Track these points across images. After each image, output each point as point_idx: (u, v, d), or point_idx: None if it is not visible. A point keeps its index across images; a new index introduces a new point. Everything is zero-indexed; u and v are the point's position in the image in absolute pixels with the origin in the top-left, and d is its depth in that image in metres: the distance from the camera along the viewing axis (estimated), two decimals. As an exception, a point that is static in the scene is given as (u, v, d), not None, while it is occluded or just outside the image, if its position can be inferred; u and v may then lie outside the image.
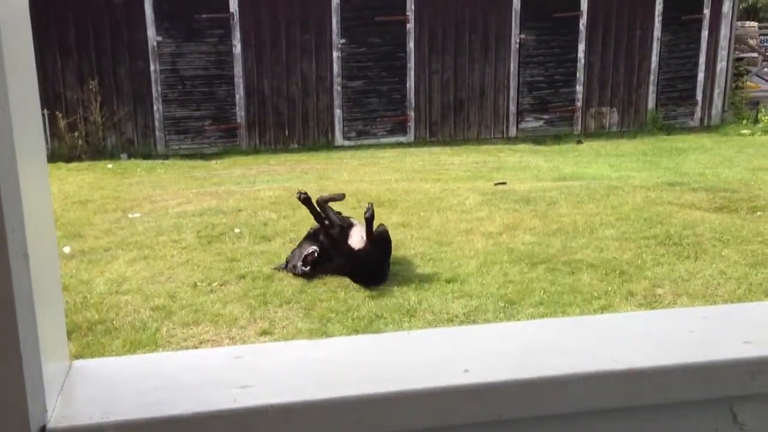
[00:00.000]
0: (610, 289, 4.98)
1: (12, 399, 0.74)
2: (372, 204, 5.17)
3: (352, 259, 5.09)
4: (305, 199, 5.13)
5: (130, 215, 7.13)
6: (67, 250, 5.91)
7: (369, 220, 5.05)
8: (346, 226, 5.36)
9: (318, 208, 5.29)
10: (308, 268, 5.15)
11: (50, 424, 0.78)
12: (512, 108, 12.77)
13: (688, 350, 0.93)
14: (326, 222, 5.22)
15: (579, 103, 13.00)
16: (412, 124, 12.47)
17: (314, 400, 0.83)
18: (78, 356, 3.93)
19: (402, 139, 12.44)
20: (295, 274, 5.19)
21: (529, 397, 0.87)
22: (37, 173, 0.83)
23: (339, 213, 5.51)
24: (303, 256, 5.20)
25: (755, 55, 17.44)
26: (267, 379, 0.87)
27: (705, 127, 13.34)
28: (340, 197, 5.59)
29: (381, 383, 0.85)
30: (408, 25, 12.12)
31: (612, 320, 1.21)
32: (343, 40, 11.96)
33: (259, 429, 0.82)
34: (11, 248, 0.72)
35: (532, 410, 0.87)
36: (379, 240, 5.14)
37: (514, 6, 12.38)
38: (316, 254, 5.17)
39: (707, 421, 0.93)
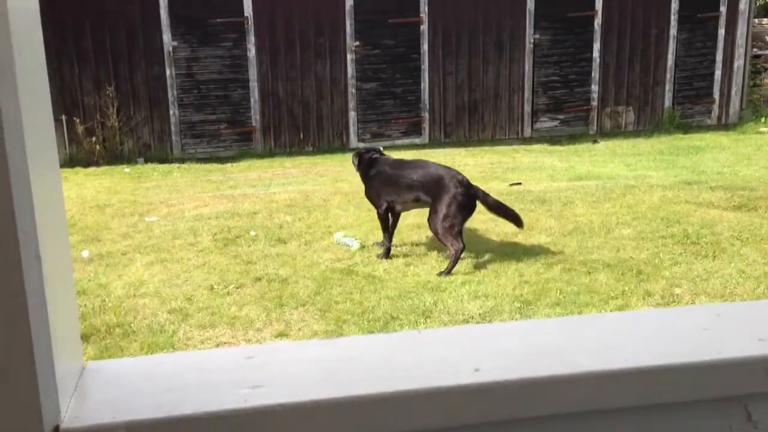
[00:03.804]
0: (627, 289, 4.94)
1: (26, 399, 0.75)
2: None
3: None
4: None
5: (147, 219, 7.18)
6: (85, 254, 5.96)
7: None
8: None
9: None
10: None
11: (64, 424, 0.79)
12: (527, 108, 12.72)
13: (701, 348, 0.92)
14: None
15: (594, 103, 12.93)
16: (426, 125, 12.46)
17: (325, 400, 0.83)
18: (96, 359, 3.96)
19: (417, 140, 12.43)
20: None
21: (540, 396, 0.87)
22: (49, 175, 0.83)
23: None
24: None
25: (773, 52, 17.24)
26: (278, 379, 0.87)
27: (722, 126, 13.21)
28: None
29: (391, 382, 0.85)
30: (422, 27, 12.12)
31: (624, 318, 1.20)
32: (357, 43, 11.98)
33: (270, 429, 0.83)
34: (23, 250, 0.72)
35: (543, 409, 0.87)
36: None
37: (528, 6, 12.34)
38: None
39: (721, 419, 0.92)
